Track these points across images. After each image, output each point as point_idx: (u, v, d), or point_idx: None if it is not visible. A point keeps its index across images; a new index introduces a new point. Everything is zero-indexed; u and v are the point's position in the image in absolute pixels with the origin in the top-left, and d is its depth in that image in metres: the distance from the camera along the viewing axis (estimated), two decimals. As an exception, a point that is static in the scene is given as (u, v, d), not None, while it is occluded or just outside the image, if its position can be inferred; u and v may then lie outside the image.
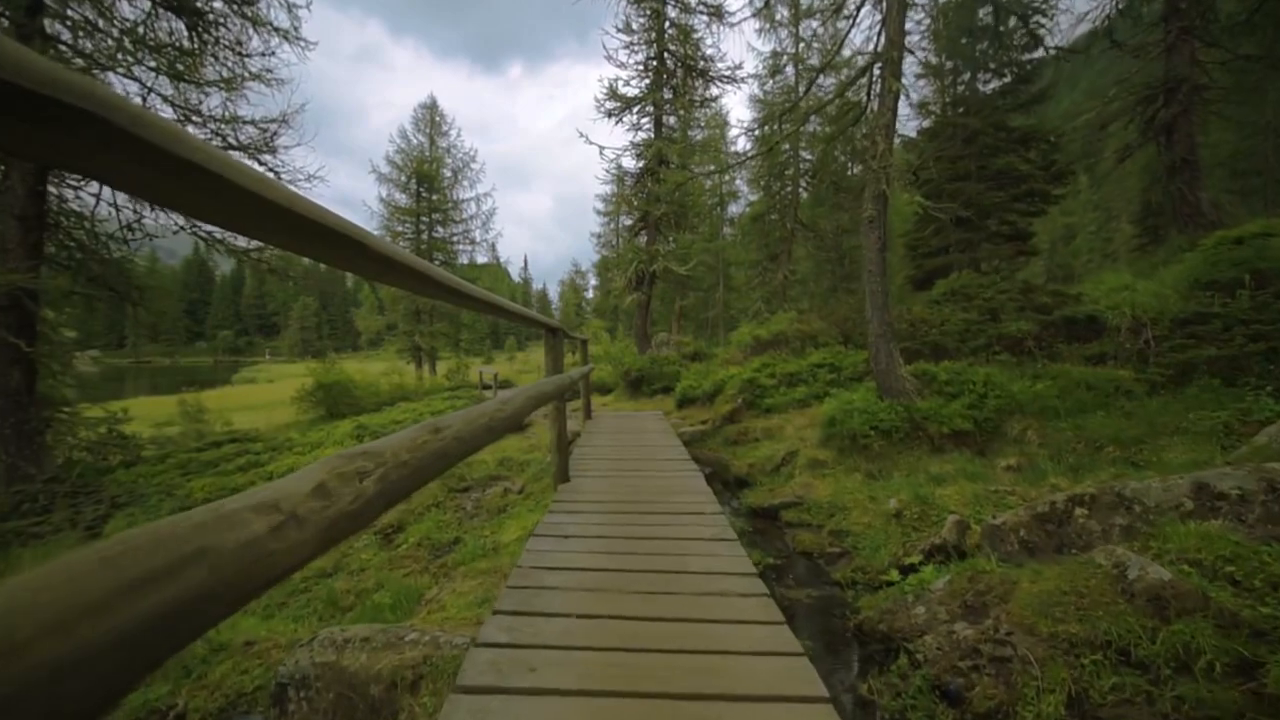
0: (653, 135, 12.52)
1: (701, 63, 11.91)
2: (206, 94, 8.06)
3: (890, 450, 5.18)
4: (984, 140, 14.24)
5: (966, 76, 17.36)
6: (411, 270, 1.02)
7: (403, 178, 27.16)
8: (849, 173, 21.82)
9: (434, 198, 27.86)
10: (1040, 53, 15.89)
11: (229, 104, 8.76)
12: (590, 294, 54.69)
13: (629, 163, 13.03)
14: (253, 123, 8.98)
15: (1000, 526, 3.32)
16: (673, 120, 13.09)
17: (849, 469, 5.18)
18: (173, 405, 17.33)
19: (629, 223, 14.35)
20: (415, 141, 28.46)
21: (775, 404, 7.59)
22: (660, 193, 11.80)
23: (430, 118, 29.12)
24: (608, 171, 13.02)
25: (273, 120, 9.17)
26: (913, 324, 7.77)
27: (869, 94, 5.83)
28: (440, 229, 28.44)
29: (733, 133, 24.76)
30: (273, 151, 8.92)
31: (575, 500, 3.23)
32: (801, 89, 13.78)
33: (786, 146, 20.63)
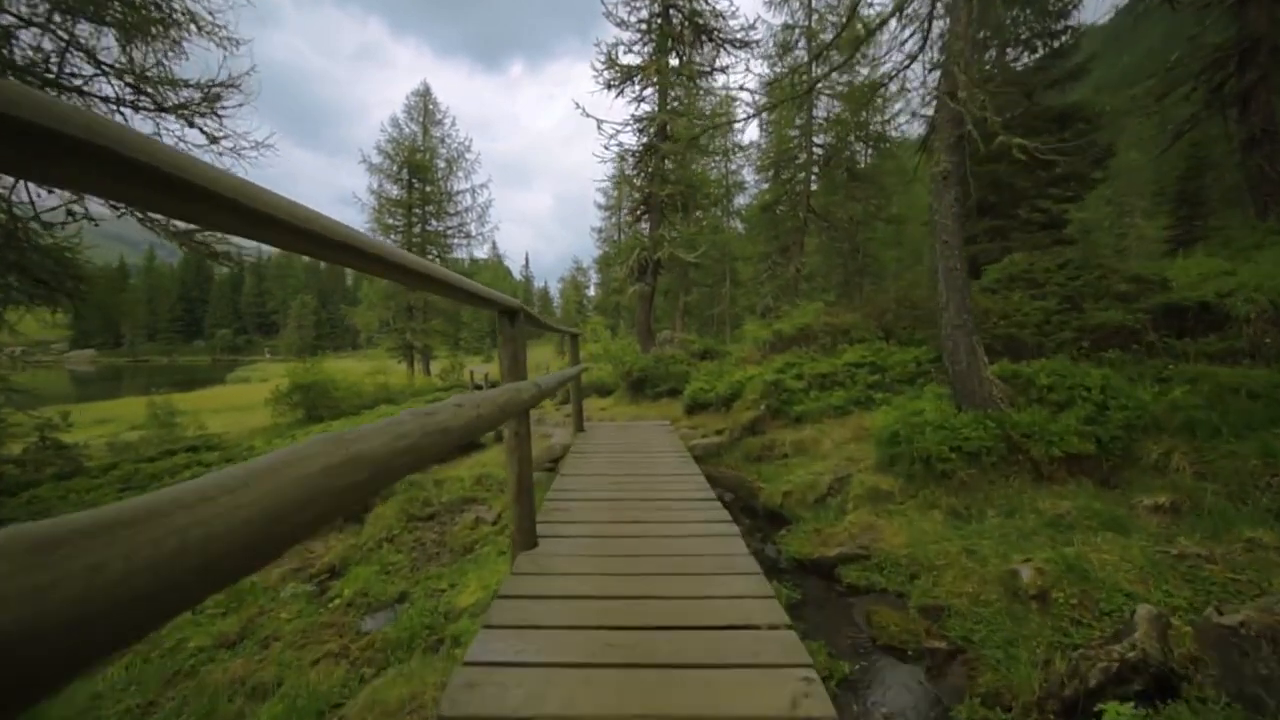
0: (656, 109, 11.21)
1: (711, 20, 10.57)
2: (130, 42, 6.80)
3: (980, 479, 3.88)
4: (1015, 118, 12.91)
5: (993, 53, 16.04)
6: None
7: (394, 168, 25.89)
8: (861, 163, 20.55)
9: (427, 189, 26.61)
10: (1076, 19, 14.51)
11: (165, 60, 7.51)
12: (592, 291, 53.47)
13: (630, 139, 11.75)
14: (195, 85, 7.73)
15: (1239, 631, 2.03)
16: (678, 95, 11.78)
17: (924, 504, 3.88)
18: (173, 405, 16.15)
19: (631, 206, 13.04)
20: (408, 131, 27.21)
21: (807, 411, 6.30)
22: (668, 152, 10.44)
23: (423, 106, 27.85)
24: (606, 149, 11.70)
25: (219, 84, 7.91)
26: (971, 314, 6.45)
27: (932, 10, 4.52)
28: (434, 221, 27.19)
29: (739, 120, 23.43)
30: (217, 116, 7.65)
31: (539, 592, 1.95)
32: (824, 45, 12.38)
33: (796, 132, 19.39)
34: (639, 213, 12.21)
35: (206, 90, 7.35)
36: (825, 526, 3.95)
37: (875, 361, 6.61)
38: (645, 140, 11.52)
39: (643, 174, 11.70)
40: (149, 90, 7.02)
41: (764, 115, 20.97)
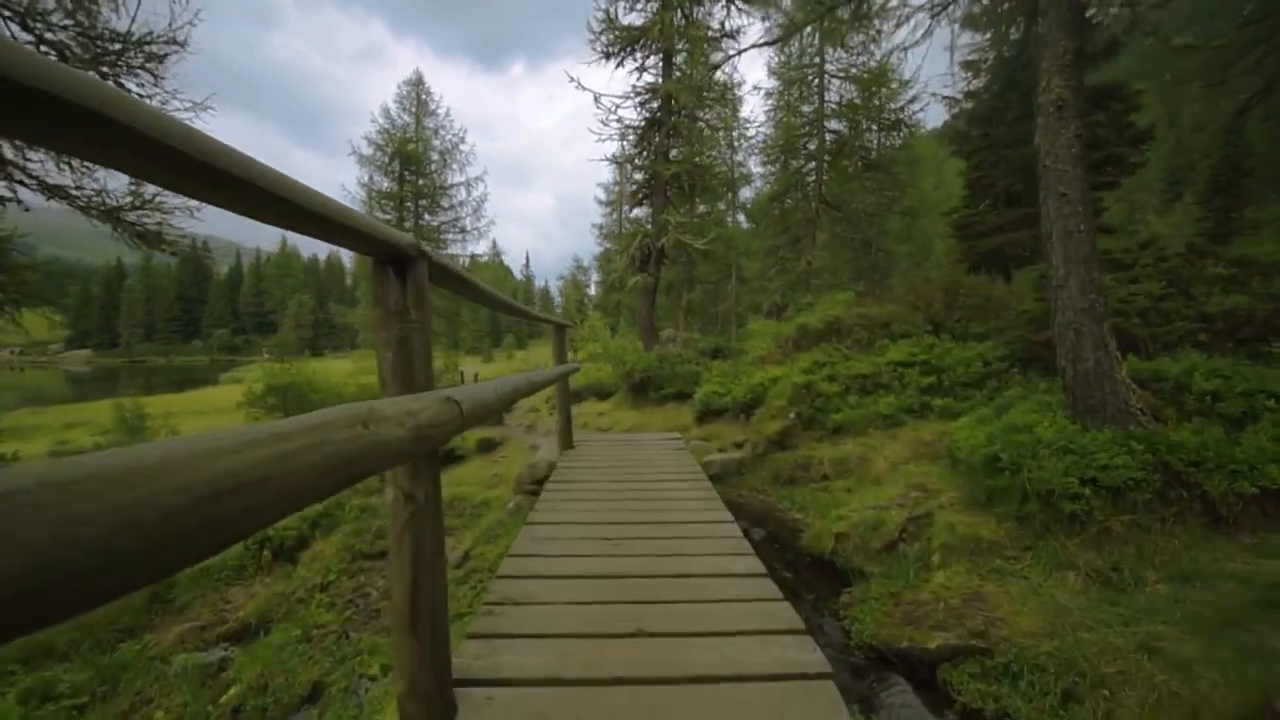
0: (660, 79, 10.07)
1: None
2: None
3: (1130, 526, 2.72)
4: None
5: (1021, 26, 14.80)
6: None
7: (385, 159, 24.79)
8: (874, 152, 19.43)
9: (420, 182, 25.50)
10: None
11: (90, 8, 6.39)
12: (592, 290, 52.32)
13: (631, 114, 10.60)
14: (120, 37, 6.60)
15: None
16: (683, 62, 10.62)
17: (1051, 562, 2.73)
18: (143, 408, 15.16)
19: (632, 189, 11.90)
20: (400, 122, 26.11)
21: (847, 421, 5.15)
22: (675, 92, 9.25)
23: (416, 96, 26.67)
24: (605, 125, 10.55)
25: (156, 39, 6.79)
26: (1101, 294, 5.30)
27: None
28: (428, 216, 26.09)
29: (746, 111, 22.44)
30: (149, 72, 6.52)
31: None
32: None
33: (805, 120, 18.27)
34: (640, 196, 11.07)
35: (127, 41, 6.21)
36: (906, 591, 2.80)
37: (929, 360, 5.45)
38: (648, 115, 10.38)
39: (645, 152, 10.57)
40: (58, 38, 5.90)
41: (772, 103, 19.86)
